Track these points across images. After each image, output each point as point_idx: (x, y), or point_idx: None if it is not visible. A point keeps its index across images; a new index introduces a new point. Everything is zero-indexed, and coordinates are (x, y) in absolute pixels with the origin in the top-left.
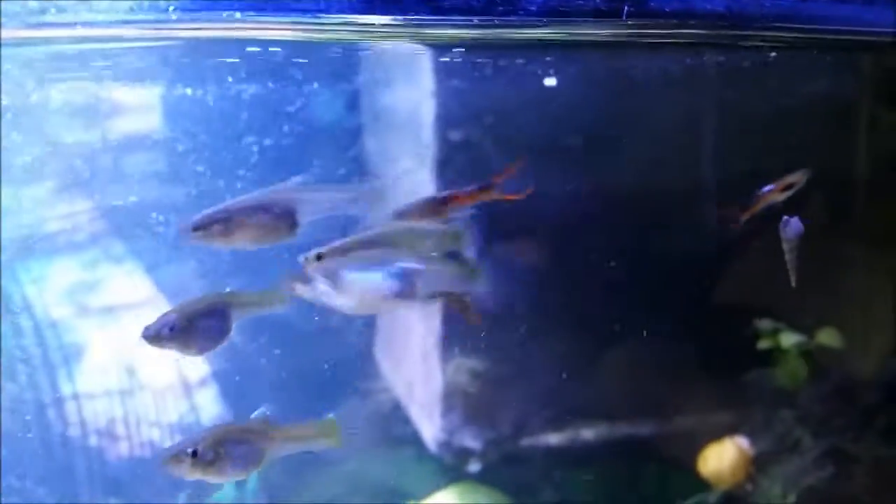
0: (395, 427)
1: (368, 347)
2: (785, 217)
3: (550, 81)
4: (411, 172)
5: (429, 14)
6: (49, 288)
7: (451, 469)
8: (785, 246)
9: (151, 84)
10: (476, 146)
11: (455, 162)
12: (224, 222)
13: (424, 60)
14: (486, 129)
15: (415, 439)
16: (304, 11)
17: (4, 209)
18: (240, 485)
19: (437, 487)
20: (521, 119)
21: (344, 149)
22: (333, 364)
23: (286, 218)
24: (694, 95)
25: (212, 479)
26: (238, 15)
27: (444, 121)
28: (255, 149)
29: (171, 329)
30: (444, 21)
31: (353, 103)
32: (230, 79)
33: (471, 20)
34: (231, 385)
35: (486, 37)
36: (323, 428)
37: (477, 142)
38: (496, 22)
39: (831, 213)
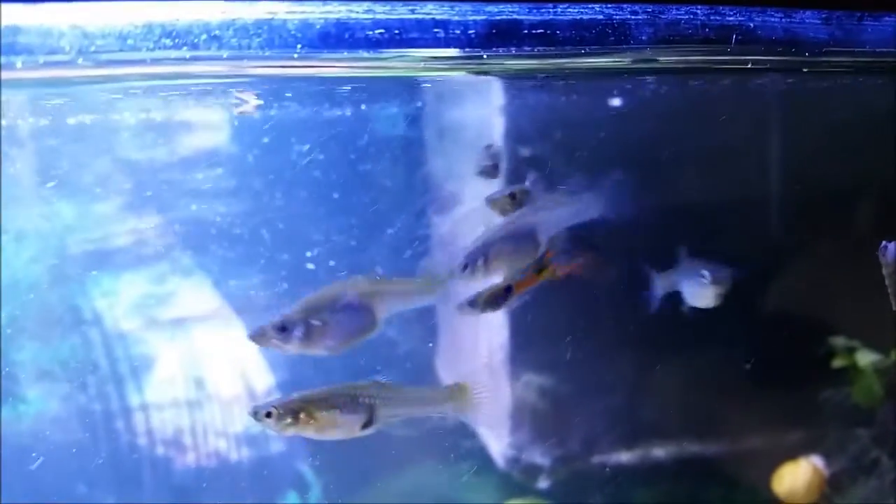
0: (459, 442)
1: (430, 361)
2: (884, 242)
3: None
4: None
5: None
6: (118, 301)
7: (515, 484)
8: (884, 271)
9: (218, 104)
10: (545, 162)
11: (524, 178)
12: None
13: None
14: (556, 144)
15: (479, 454)
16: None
17: (74, 225)
18: (303, 494)
19: (498, 501)
20: (591, 135)
21: (409, 167)
22: (396, 379)
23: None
24: (758, 116)
25: None
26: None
27: (514, 136)
28: (317, 168)
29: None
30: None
31: (416, 121)
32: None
33: (581, 50)
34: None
35: (593, 65)
36: None
37: (546, 157)
38: (606, 50)
39: None
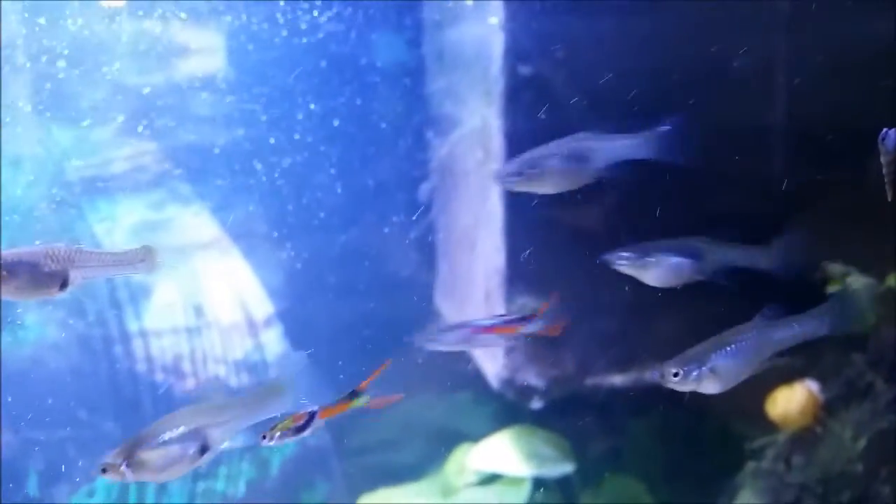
0: (456, 367)
1: (429, 291)
2: (884, 129)
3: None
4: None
5: None
6: (116, 227)
7: (509, 411)
8: (883, 159)
9: (216, 26)
10: (546, 82)
11: (523, 98)
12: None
13: None
14: (558, 64)
15: (474, 381)
16: None
17: (71, 149)
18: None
19: (494, 430)
20: (594, 55)
21: (407, 90)
22: (394, 307)
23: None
24: (768, 40)
25: None
26: None
27: (514, 55)
28: (311, 95)
29: None
30: None
31: (415, 42)
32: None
33: None
34: (295, 325)
35: None
36: None
37: (547, 77)
38: None
39: None
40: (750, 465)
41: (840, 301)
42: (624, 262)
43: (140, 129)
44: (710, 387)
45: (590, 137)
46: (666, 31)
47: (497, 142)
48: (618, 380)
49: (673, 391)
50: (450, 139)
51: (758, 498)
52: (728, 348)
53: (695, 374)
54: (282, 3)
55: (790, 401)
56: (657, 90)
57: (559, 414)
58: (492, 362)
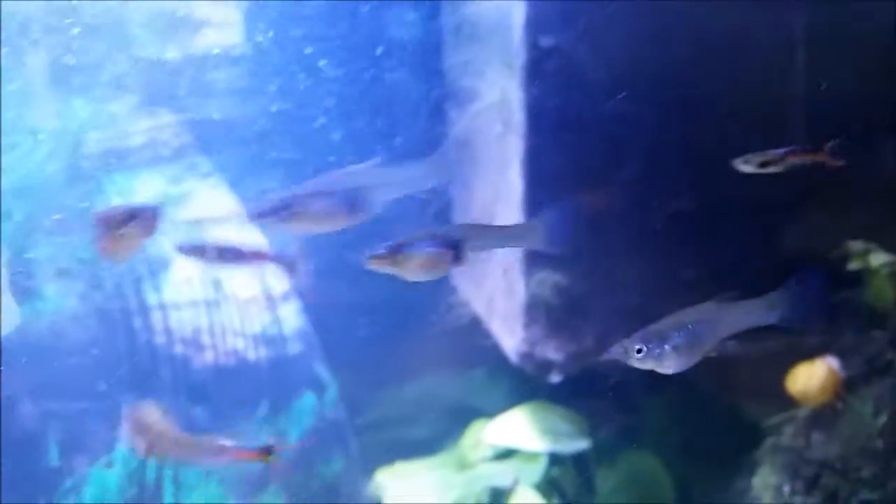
0: (475, 342)
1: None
2: None
3: None
4: (497, 84)
5: None
6: (134, 200)
7: (524, 387)
8: None
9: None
10: (567, 54)
11: (545, 70)
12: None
13: None
14: (579, 35)
15: (490, 356)
16: None
17: (89, 122)
18: (319, 396)
19: (508, 406)
20: (616, 26)
21: (424, 63)
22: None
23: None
24: (787, 19)
25: None
26: None
27: (535, 26)
28: (328, 68)
29: None
30: None
31: (431, 15)
32: None
33: None
34: (311, 301)
35: None
36: None
37: (569, 49)
38: None
39: None
40: (769, 442)
41: (792, 290)
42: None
43: (158, 102)
44: (669, 365)
45: (363, 173)
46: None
47: (518, 115)
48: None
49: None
50: (468, 112)
51: (777, 474)
52: (688, 328)
53: (657, 351)
54: None
55: (811, 377)
56: (681, 61)
57: (574, 391)
58: (510, 337)
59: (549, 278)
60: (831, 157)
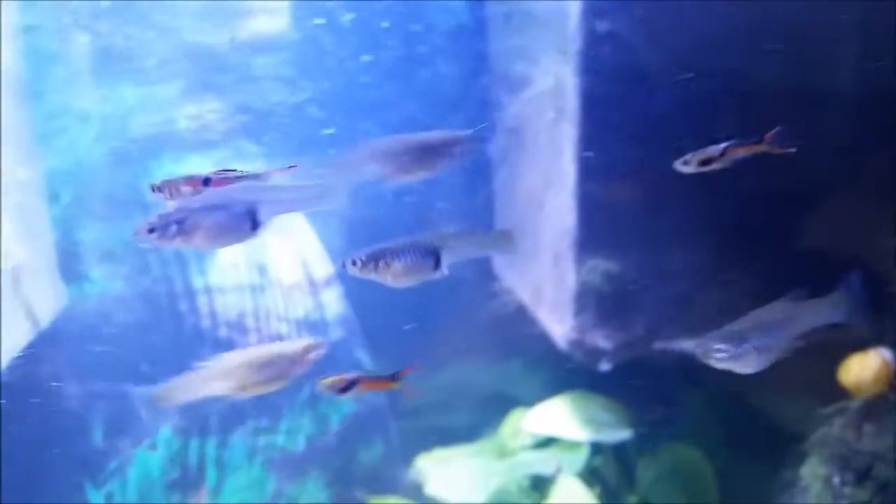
0: (520, 329)
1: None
2: None
3: None
4: (550, 70)
5: None
6: None
7: (560, 376)
8: None
9: None
10: (624, 40)
11: (601, 56)
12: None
13: None
14: (636, 21)
15: (529, 345)
16: None
17: (137, 107)
18: None
19: (544, 396)
20: (674, 12)
21: (471, 51)
22: (451, 268)
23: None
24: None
25: None
26: None
27: (592, 12)
28: (373, 55)
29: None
30: None
31: (476, 3)
32: None
33: None
34: (354, 286)
35: None
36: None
37: (625, 35)
38: None
39: None
40: (818, 433)
41: (853, 288)
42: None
43: (206, 87)
44: (749, 364)
45: (256, 188)
46: None
47: (572, 101)
48: (686, 346)
49: None
50: (519, 99)
51: (826, 465)
52: (767, 327)
53: (737, 351)
54: None
55: (864, 368)
56: (739, 46)
57: (613, 381)
58: (560, 324)
59: (601, 266)
60: (775, 146)
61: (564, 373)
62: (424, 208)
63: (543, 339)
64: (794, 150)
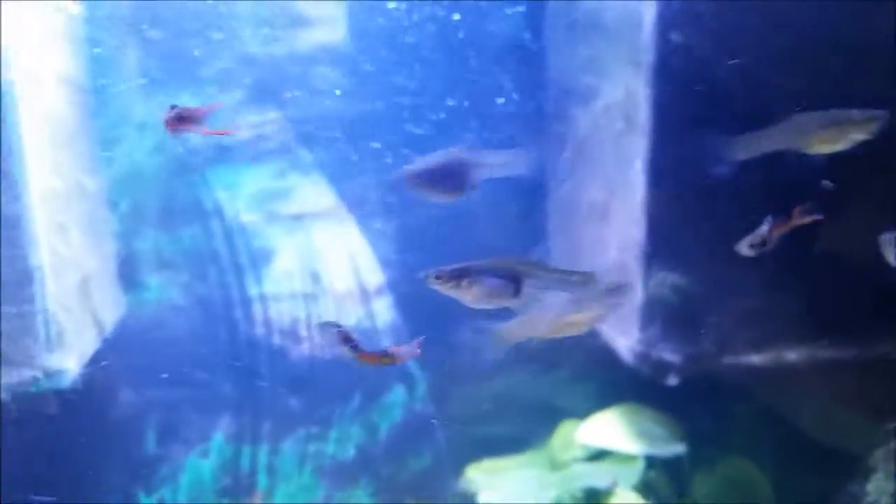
0: (557, 343)
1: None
2: None
3: None
4: (621, 80)
5: None
6: (239, 194)
7: (608, 388)
8: None
9: None
10: (697, 52)
11: (674, 67)
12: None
13: None
14: (710, 33)
15: (573, 358)
16: None
17: None
18: (409, 390)
19: (592, 407)
20: (748, 26)
21: (530, 62)
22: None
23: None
24: None
25: None
26: None
27: (666, 23)
28: (430, 66)
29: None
30: None
31: (537, 12)
32: None
33: None
34: (405, 295)
35: None
36: None
37: (699, 47)
38: None
39: None
40: (882, 449)
41: None
42: None
43: (264, 98)
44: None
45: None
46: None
47: (643, 113)
48: (756, 359)
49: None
50: (583, 110)
51: (893, 481)
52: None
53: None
54: None
55: None
56: (814, 59)
57: (663, 392)
58: (625, 337)
59: (668, 278)
60: (805, 217)
61: (609, 383)
62: (475, 220)
63: (593, 350)
64: (821, 217)
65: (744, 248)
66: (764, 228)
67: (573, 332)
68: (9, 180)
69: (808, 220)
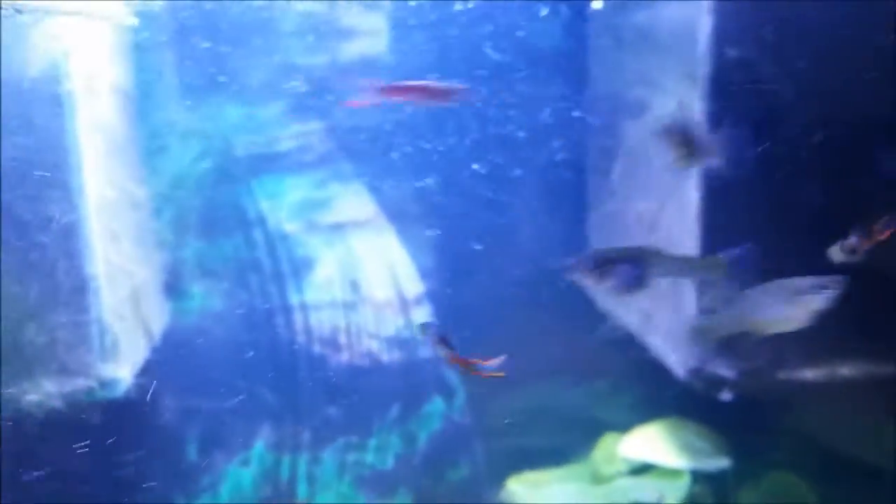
0: (630, 354)
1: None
2: None
3: None
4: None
5: None
6: (281, 204)
7: (648, 401)
8: None
9: (380, 8)
10: (754, 65)
11: (729, 81)
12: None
13: None
14: (766, 47)
15: (613, 370)
16: None
17: (240, 127)
18: (448, 400)
19: (632, 420)
20: (804, 40)
21: (573, 74)
22: (542, 293)
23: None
24: None
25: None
26: None
27: (723, 36)
28: (470, 78)
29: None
30: None
31: (574, 26)
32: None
33: None
34: (444, 306)
35: None
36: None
37: (755, 61)
38: None
39: None
40: None
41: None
42: None
43: (306, 108)
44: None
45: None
46: (879, 19)
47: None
48: (809, 374)
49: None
50: (632, 122)
51: None
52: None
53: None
54: None
55: None
56: (872, 77)
57: (706, 405)
58: (676, 352)
59: (723, 293)
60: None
61: (650, 397)
62: (517, 231)
63: (635, 363)
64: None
65: (835, 253)
66: (853, 240)
67: (781, 329)
68: (66, 189)
69: (888, 233)
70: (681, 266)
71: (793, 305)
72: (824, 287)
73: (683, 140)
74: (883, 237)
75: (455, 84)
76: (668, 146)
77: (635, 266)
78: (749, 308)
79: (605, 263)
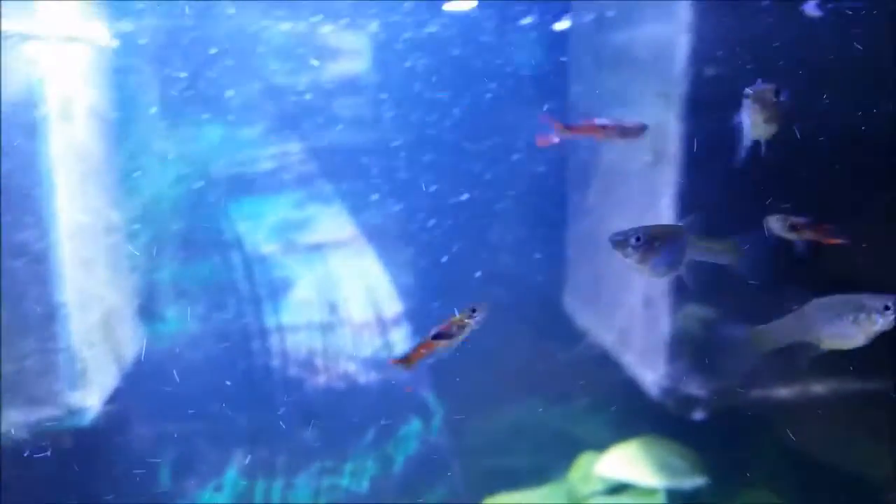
0: (602, 375)
1: (556, 297)
2: None
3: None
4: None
5: None
6: (260, 225)
7: (625, 420)
8: None
9: (361, 29)
10: (730, 85)
11: (705, 101)
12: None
13: None
14: (742, 67)
15: (590, 389)
16: None
17: (218, 147)
18: (425, 421)
19: (609, 439)
20: (782, 55)
21: (552, 92)
22: (523, 310)
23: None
24: None
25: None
26: None
27: (698, 55)
28: (451, 97)
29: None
30: None
31: (556, 45)
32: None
33: None
34: (423, 326)
35: None
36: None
37: (730, 80)
38: None
39: None
40: None
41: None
42: None
43: (286, 129)
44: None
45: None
46: (856, 35)
47: (674, 145)
48: (783, 393)
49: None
50: (608, 141)
51: None
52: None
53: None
54: (425, 10)
55: None
56: (847, 94)
57: (682, 424)
58: (650, 370)
59: (697, 312)
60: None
61: (625, 415)
62: (496, 249)
63: (610, 383)
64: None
65: (774, 221)
66: (801, 220)
67: (838, 346)
68: (36, 216)
69: (834, 240)
70: (703, 249)
71: (856, 324)
72: (889, 308)
73: (767, 105)
74: (823, 237)
75: (633, 122)
76: (753, 112)
77: (677, 246)
78: (809, 320)
79: (651, 241)
